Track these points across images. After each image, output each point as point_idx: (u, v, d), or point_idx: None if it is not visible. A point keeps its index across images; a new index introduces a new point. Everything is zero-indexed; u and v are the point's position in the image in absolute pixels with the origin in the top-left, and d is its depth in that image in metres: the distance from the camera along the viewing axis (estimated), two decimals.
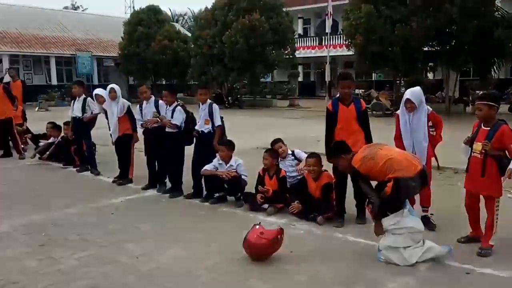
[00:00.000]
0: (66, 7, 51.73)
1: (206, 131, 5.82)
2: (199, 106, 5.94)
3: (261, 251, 3.75)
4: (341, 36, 26.59)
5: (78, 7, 55.81)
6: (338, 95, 4.88)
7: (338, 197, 4.83)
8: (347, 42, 20.37)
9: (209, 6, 24.87)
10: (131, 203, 5.79)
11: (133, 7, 43.33)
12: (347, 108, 4.74)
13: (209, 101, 5.88)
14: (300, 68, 31.59)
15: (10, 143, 9.12)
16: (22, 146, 9.20)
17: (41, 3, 41.92)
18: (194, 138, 6.00)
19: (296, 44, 26.73)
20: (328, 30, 23.61)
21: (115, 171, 7.02)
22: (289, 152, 5.75)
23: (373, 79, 28.21)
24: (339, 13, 23.60)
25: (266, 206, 5.21)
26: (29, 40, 27.85)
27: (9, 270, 3.63)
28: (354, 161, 3.86)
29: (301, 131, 12.38)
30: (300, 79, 31.58)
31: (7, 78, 10.75)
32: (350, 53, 20.97)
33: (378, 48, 17.55)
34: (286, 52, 24.10)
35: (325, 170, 5.02)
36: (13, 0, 31.72)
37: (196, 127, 5.92)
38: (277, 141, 5.82)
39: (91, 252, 4.00)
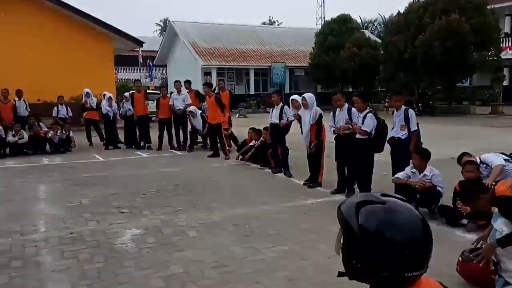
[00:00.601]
0: (264, 23, 56.72)
1: (403, 137, 5.71)
2: (393, 113, 5.87)
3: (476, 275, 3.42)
4: None
5: (274, 22, 60.53)
6: None
7: None
8: None
9: (402, 10, 24.01)
10: (321, 205, 6.04)
11: (324, 18, 44.79)
12: None
13: (403, 107, 5.75)
14: (505, 71, 27.76)
15: (219, 145, 10.48)
16: (228, 148, 10.47)
17: (244, 21, 46.90)
18: (387, 145, 5.95)
19: (502, 44, 23.67)
20: None
21: (305, 174, 7.43)
22: (478, 161, 5.24)
23: None
24: None
25: (465, 221, 4.80)
26: (233, 55, 31.45)
27: (221, 254, 4.21)
28: (499, 191, 3.17)
29: (506, 142, 10.90)
30: (505, 83, 27.74)
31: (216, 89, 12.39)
32: None
33: None
34: (489, 53, 21.55)
35: None
36: (222, 19, 36.26)
37: (391, 134, 5.84)
38: (463, 155, 5.37)
39: (287, 247, 4.35)
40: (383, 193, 1.29)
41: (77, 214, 5.63)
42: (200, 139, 12.07)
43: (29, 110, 12.75)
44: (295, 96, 7.58)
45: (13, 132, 11.10)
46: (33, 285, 3.61)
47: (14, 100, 12.47)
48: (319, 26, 35.14)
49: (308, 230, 4.88)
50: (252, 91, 31.28)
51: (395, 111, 5.85)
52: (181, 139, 11.78)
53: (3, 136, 10.87)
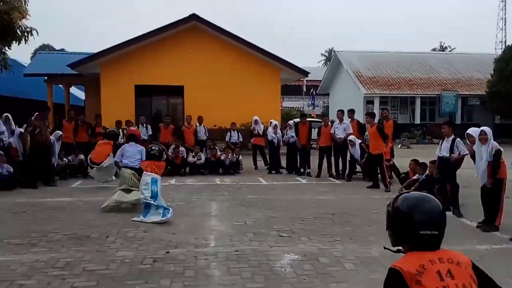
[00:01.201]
0: (434, 49, 53.59)
1: None
2: None
3: None
4: None
5: (446, 48, 56.66)
6: None
7: None
8: None
9: None
10: (498, 252, 5.34)
11: (505, 42, 40.24)
12: None
13: None
14: None
15: (379, 176, 10.15)
16: (389, 180, 10.06)
17: (412, 48, 45.15)
18: None
19: None
20: None
21: (478, 215, 6.68)
22: None
23: None
24: None
25: None
26: (399, 83, 30.34)
27: None
28: None
29: None
30: None
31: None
32: None
33: None
34: None
35: None
36: (387, 47, 35.50)
37: None
38: None
39: None
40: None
41: (242, 233, 6.07)
42: (359, 168, 11.89)
43: (207, 134, 14.30)
44: (470, 130, 6.89)
45: (193, 154, 12.61)
46: None
47: (196, 125, 14.16)
48: (499, 51, 31.57)
49: None
50: (417, 121, 29.56)
51: None
52: (340, 168, 11.78)
53: (185, 156, 12.42)
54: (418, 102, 29.72)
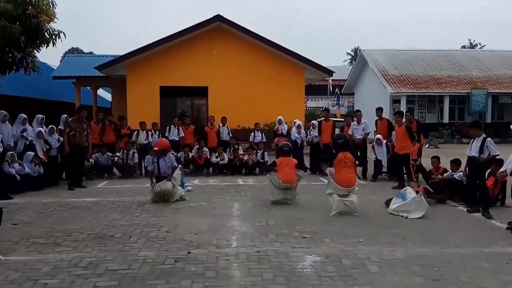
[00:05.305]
0: (463, 47, 52.30)
1: None
2: None
3: None
4: None
5: (476, 45, 55.24)
6: None
7: None
8: None
9: None
10: None
11: None
12: None
13: None
14: None
15: (405, 176, 9.93)
16: (415, 180, 9.82)
17: (441, 45, 44.10)
18: None
19: None
20: None
21: (510, 217, 6.43)
22: None
23: None
24: None
25: None
26: (426, 81, 29.67)
27: None
28: None
29: None
30: None
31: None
32: None
33: None
34: None
35: None
36: (415, 45, 34.79)
37: None
38: None
39: None
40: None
41: (264, 233, 6.02)
42: (385, 169, 11.66)
43: (230, 135, 14.27)
44: None
45: (216, 154, 12.63)
46: None
47: (219, 126, 14.17)
48: None
49: None
50: (446, 120, 28.84)
51: None
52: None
53: (208, 157, 12.45)
54: (446, 101, 28.98)
